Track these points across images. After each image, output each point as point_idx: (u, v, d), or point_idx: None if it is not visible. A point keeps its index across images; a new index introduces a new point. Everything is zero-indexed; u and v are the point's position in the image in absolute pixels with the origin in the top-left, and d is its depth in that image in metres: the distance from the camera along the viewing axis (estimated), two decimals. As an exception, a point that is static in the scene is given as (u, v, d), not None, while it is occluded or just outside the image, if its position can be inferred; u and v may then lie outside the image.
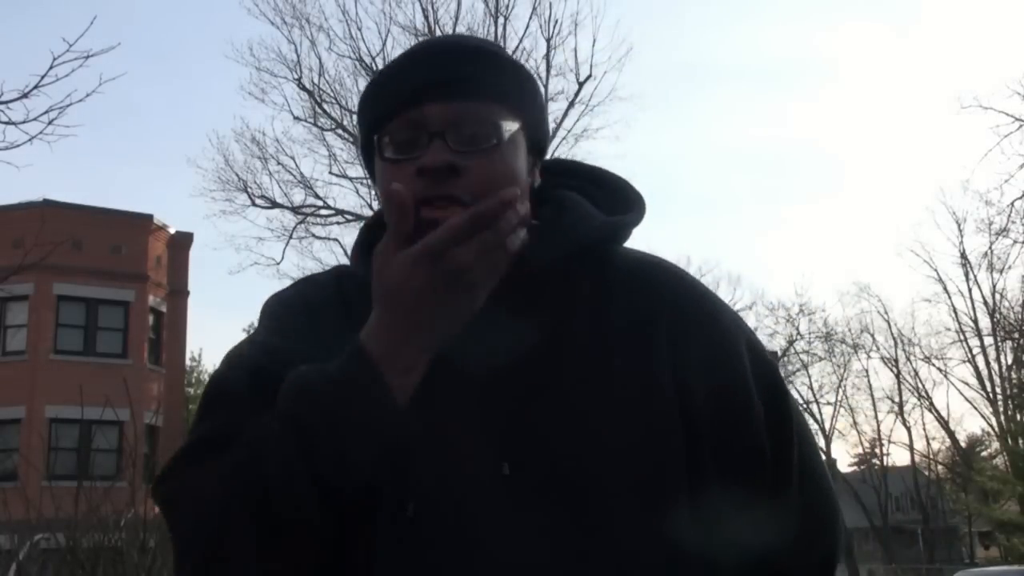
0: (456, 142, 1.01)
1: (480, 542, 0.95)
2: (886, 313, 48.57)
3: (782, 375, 1.14)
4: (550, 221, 1.09)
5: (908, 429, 41.90)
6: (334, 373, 0.94)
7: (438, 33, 23.09)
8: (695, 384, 1.04)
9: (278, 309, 1.14)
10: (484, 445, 0.98)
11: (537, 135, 1.11)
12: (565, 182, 1.17)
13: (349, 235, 24.54)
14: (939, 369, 37.32)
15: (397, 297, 0.94)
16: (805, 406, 38.71)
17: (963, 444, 41.94)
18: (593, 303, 1.07)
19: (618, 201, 1.16)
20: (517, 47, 23.21)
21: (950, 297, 38.37)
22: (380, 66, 23.91)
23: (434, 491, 0.97)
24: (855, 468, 47.04)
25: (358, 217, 24.44)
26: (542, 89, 1.12)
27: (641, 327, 1.06)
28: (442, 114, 1.02)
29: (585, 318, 1.06)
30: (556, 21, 23.67)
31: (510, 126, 1.04)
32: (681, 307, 1.09)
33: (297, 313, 1.11)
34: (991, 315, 34.12)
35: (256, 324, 1.16)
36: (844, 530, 1.14)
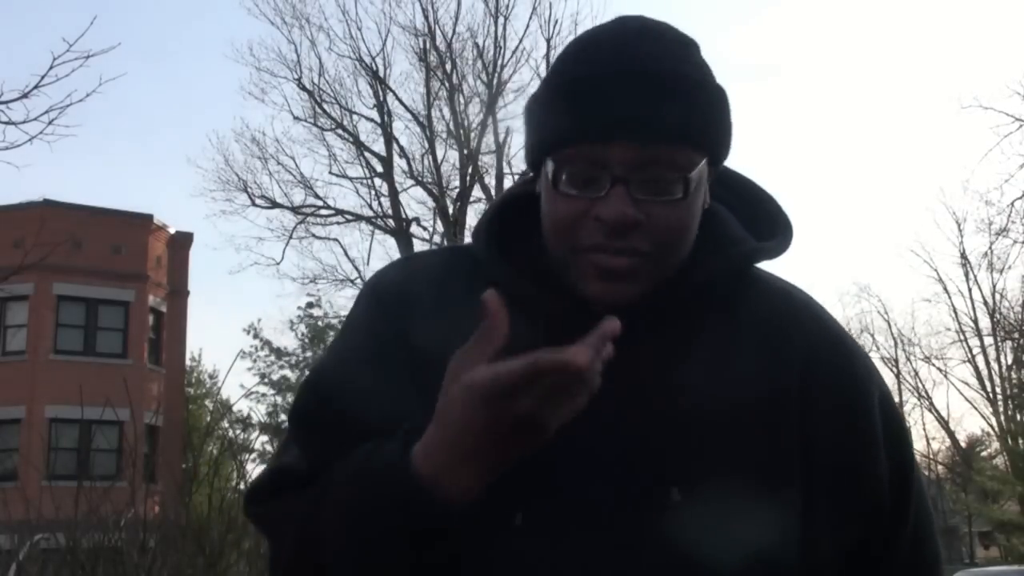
0: (641, 190, 0.94)
1: (620, 559, 0.93)
2: (886, 313, 48.60)
3: (909, 429, 1.11)
4: (700, 239, 1.01)
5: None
6: (381, 483, 0.90)
7: (438, 33, 23.11)
8: (823, 430, 1.01)
9: (373, 299, 1.10)
10: (640, 467, 0.95)
11: (719, 156, 1.02)
12: (714, 189, 1.07)
13: (349, 235, 24.62)
14: (939, 369, 37.33)
15: (458, 427, 0.87)
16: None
17: (963, 444, 41.93)
18: (725, 327, 1.03)
19: (762, 221, 1.09)
20: (517, 47, 23.23)
21: (950, 297, 38.31)
22: (380, 66, 24.02)
23: (556, 503, 0.94)
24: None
25: (358, 217, 24.47)
26: (730, 104, 1.02)
27: (771, 356, 1.02)
28: (630, 158, 0.93)
29: (715, 342, 1.02)
30: (556, 21, 23.75)
31: (699, 169, 0.96)
32: (816, 350, 1.04)
33: (396, 300, 1.07)
34: (991, 315, 34.12)
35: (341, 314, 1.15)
36: None
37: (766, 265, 1.10)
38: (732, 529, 0.94)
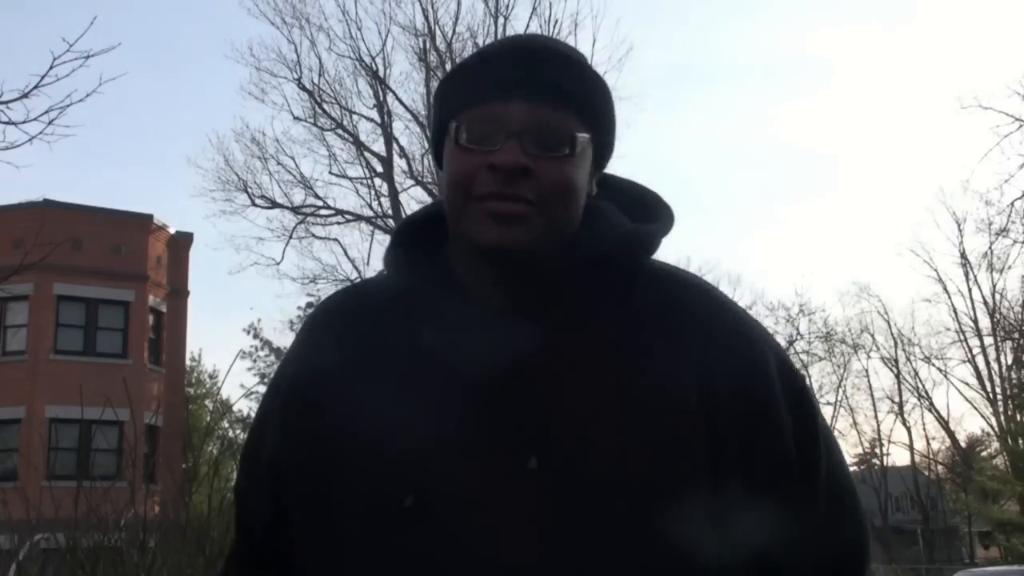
0: (532, 145, 1.05)
1: (488, 533, 0.97)
2: (886, 313, 48.59)
3: (812, 390, 1.14)
4: (580, 230, 1.11)
5: (908, 429, 41.80)
6: None
7: (438, 33, 23.12)
8: (722, 394, 1.05)
9: (304, 334, 1.22)
10: (503, 441, 1.00)
11: (603, 149, 1.14)
12: (602, 194, 1.18)
13: (349, 235, 24.62)
14: (939, 369, 37.37)
15: None
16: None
17: (963, 444, 41.95)
18: (619, 308, 1.08)
19: (648, 212, 1.17)
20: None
21: (950, 297, 38.42)
22: (380, 66, 24.04)
23: (442, 484, 0.99)
24: (855, 468, 46.91)
25: (358, 217, 24.49)
26: (615, 104, 1.16)
27: (667, 336, 1.07)
28: (523, 115, 1.06)
29: (608, 322, 1.07)
30: (556, 21, 23.69)
31: (583, 137, 1.08)
32: (708, 319, 1.09)
33: (323, 331, 1.18)
34: (991, 315, 34.14)
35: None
36: (869, 549, 1.13)
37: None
38: (595, 501, 0.97)
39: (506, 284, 1.08)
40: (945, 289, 37.14)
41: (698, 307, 1.10)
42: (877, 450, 44.53)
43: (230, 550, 1.28)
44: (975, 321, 34.66)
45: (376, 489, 1.01)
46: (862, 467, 46.31)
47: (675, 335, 1.07)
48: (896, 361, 38.58)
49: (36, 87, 6.42)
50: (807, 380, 1.15)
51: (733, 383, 1.06)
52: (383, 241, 25.00)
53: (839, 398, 40.57)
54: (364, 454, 1.04)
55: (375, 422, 1.05)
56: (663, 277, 1.14)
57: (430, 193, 23.66)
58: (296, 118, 24.25)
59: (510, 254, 1.05)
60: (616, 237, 1.12)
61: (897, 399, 39.59)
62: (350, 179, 24.63)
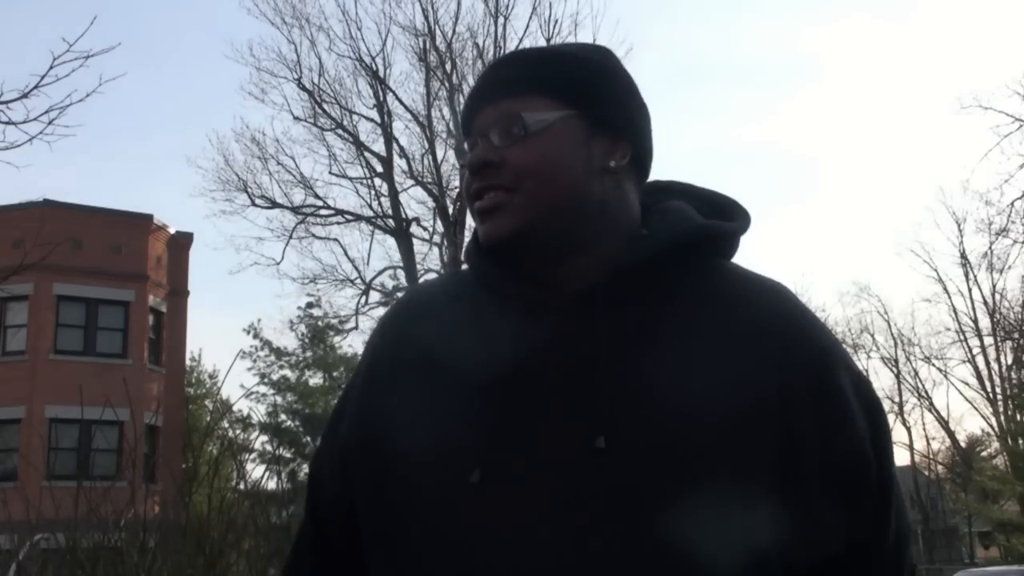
0: (499, 138, 1.10)
1: (555, 509, 0.98)
2: (886, 313, 48.66)
3: (883, 411, 1.14)
4: (653, 225, 1.13)
5: (908, 429, 41.80)
6: None
7: (438, 33, 23.11)
8: (799, 394, 1.04)
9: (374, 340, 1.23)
10: (570, 422, 1.01)
11: (604, 116, 1.13)
12: (676, 199, 1.19)
13: (349, 235, 24.66)
14: (939, 369, 37.39)
15: None
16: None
17: (963, 444, 41.94)
18: (694, 303, 1.08)
19: (724, 214, 1.18)
20: (517, 47, 23.21)
21: (950, 297, 38.45)
22: (380, 66, 24.03)
23: (508, 460, 1.01)
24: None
25: (358, 217, 24.48)
26: (622, 76, 1.18)
27: (739, 336, 1.06)
28: (487, 118, 1.12)
29: (681, 316, 1.07)
30: (556, 21, 23.69)
31: (545, 115, 1.10)
32: (784, 321, 1.09)
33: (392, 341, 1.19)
34: (991, 315, 34.13)
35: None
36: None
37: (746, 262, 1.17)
38: (658, 478, 0.98)
39: (558, 276, 1.09)
40: (945, 289, 37.21)
41: (772, 304, 1.10)
42: (877, 450, 44.37)
43: (297, 537, 1.27)
44: (975, 321, 34.69)
45: (442, 466, 1.03)
46: (862, 467, 46.10)
47: (748, 334, 1.06)
48: (896, 361, 38.62)
49: (36, 87, 6.42)
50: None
51: (809, 384, 1.05)
52: (383, 241, 25.09)
53: (839, 398, 40.42)
54: (430, 433, 1.06)
55: (443, 406, 1.07)
56: (743, 277, 1.13)
57: (430, 193, 23.66)
58: (296, 118, 24.22)
59: (502, 245, 1.09)
60: (688, 230, 1.11)
61: (897, 399, 39.57)
62: (350, 179, 24.62)
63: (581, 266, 1.09)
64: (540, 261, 1.10)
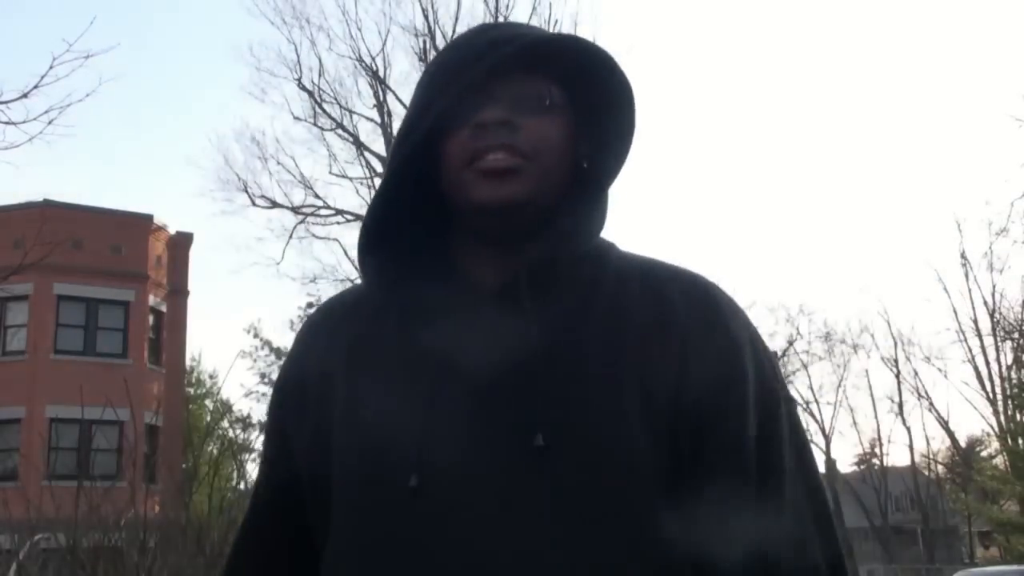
0: (519, 106, 1.07)
1: (495, 510, 0.97)
2: (886, 313, 48.61)
3: (780, 370, 1.14)
4: (586, 216, 1.14)
5: (908, 429, 41.93)
6: None
7: (438, 33, 23.11)
8: (697, 382, 1.05)
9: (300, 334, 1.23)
10: (507, 421, 1.01)
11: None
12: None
13: (349, 235, 24.59)
14: (939, 369, 37.39)
15: None
16: (805, 406, 38.69)
17: (963, 444, 41.91)
18: (612, 294, 1.10)
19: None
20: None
21: (950, 297, 38.38)
22: (380, 66, 24.04)
23: (446, 463, 1.00)
24: (855, 468, 47.01)
25: (358, 217, 24.44)
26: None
27: (654, 323, 1.07)
28: (509, 84, 1.08)
29: (603, 306, 1.09)
30: (556, 21, 23.62)
31: (558, 96, 1.10)
32: (692, 308, 1.09)
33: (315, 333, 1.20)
34: (991, 315, 34.11)
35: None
36: (842, 532, 1.12)
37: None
38: (600, 473, 0.98)
39: (503, 256, 1.09)
40: (945, 289, 37.19)
41: (682, 296, 1.10)
42: (877, 450, 44.54)
43: (243, 521, 1.25)
44: (975, 321, 34.65)
45: (380, 471, 1.02)
46: (862, 467, 46.31)
47: (662, 323, 1.07)
48: (896, 361, 38.58)
49: (36, 87, 6.44)
50: (779, 361, 1.13)
51: (709, 368, 1.05)
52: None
53: (839, 398, 40.79)
54: (367, 438, 1.05)
55: (377, 409, 1.06)
56: (651, 265, 1.15)
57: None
58: (296, 118, 24.24)
59: (515, 208, 1.06)
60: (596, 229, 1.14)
61: (897, 399, 39.58)
62: (350, 179, 24.63)
63: (526, 251, 1.09)
64: (520, 235, 1.09)
